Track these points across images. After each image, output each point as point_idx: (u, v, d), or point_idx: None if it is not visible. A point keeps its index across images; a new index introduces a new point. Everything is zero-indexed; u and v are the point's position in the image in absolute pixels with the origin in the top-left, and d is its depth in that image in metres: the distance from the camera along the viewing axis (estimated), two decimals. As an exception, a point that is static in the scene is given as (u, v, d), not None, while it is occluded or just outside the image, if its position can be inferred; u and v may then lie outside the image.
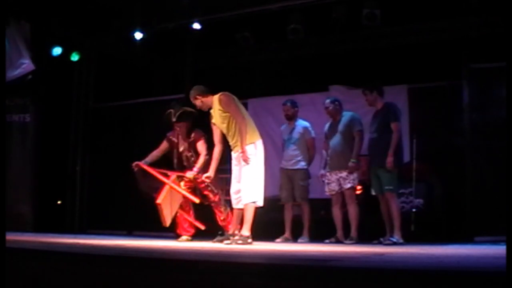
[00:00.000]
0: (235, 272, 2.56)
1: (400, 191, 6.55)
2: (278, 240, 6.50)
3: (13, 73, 7.48)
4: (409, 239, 5.95)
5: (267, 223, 6.64)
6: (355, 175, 6.33)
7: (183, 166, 6.31)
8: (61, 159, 8.69)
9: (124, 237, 6.90)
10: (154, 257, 3.42)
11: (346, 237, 6.25)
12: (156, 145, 6.44)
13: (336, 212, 6.44)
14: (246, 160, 5.41)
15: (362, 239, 6.17)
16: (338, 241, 6.24)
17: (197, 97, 5.71)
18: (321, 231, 6.62)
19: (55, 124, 8.45)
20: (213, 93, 5.71)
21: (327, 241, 6.27)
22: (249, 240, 5.34)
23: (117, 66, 9.12)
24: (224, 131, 5.65)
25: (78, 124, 8.88)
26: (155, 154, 6.31)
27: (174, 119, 6.17)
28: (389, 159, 5.85)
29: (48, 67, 8.16)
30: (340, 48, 8.59)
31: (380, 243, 5.85)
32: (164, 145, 6.37)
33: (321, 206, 7.18)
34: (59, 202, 8.96)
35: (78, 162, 8.77)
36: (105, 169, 8.63)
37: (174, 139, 6.34)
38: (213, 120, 5.71)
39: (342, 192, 6.37)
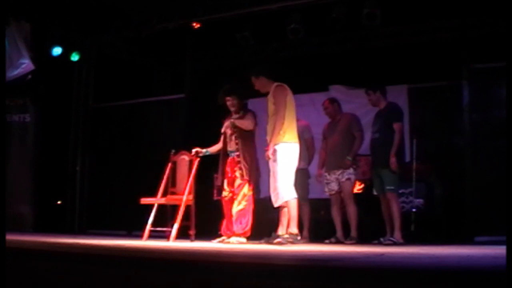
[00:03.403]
0: (235, 272, 2.56)
1: (400, 191, 6.54)
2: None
3: (13, 73, 7.48)
4: (409, 239, 5.95)
5: (267, 223, 6.63)
6: (351, 170, 6.31)
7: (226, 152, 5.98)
8: (61, 159, 8.67)
9: (124, 237, 6.90)
10: (154, 257, 3.42)
11: (346, 237, 6.25)
12: (155, 145, 6.43)
13: (335, 213, 6.43)
14: (268, 156, 5.44)
15: (362, 239, 6.17)
16: (338, 241, 6.23)
17: (257, 78, 5.64)
18: (321, 231, 6.62)
19: (55, 124, 8.43)
20: (275, 80, 5.66)
21: (327, 241, 6.26)
22: (298, 238, 5.39)
23: (117, 66, 9.11)
24: (269, 123, 5.60)
25: (78, 124, 8.86)
26: (216, 147, 6.06)
27: (222, 93, 5.93)
28: (392, 160, 5.84)
29: (48, 67, 8.14)
30: (340, 48, 8.59)
31: (380, 243, 5.84)
32: (222, 137, 6.04)
33: (321, 206, 7.18)
34: (59, 202, 8.95)
35: (78, 162, 8.75)
36: (105, 169, 8.63)
37: (225, 121, 6.01)
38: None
39: (341, 192, 6.37)
